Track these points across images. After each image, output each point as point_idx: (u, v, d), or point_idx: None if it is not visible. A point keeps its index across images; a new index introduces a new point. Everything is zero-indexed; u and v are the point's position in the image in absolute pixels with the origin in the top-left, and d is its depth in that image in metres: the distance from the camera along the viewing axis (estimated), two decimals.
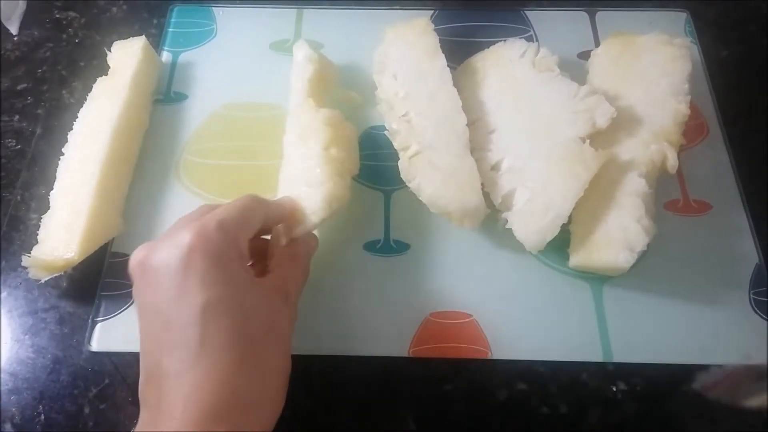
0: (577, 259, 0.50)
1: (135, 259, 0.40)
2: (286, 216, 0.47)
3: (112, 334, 0.50)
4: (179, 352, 0.37)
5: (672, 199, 0.56)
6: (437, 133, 0.53)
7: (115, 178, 0.54)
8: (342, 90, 0.60)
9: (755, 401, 0.48)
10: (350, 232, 0.54)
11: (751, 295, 0.51)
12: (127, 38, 0.62)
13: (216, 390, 0.36)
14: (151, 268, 0.39)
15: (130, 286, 0.51)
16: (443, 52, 0.58)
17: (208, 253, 0.39)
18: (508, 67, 0.58)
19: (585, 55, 0.62)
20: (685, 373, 0.49)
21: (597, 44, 0.64)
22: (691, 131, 0.58)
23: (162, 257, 0.39)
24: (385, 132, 0.55)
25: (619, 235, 0.49)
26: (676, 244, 0.53)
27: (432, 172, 0.51)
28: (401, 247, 0.54)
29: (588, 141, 0.51)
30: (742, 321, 0.50)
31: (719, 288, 0.51)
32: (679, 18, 0.67)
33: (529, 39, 0.65)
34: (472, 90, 0.58)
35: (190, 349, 0.37)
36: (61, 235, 0.50)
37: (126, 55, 0.60)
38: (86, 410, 0.48)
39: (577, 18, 0.67)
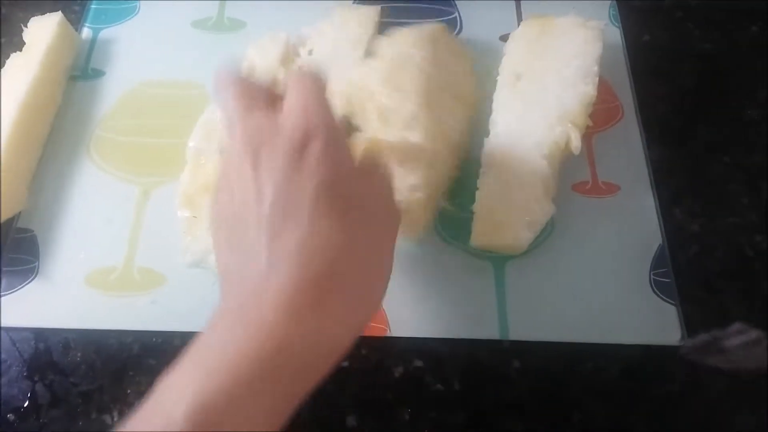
0: (477, 237, 0.50)
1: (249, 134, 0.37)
2: None
3: (13, 309, 0.50)
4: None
5: (581, 180, 0.56)
6: None
7: (21, 155, 0.54)
8: None
9: None
10: None
11: (652, 276, 0.51)
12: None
13: (319, 276, 0.34)
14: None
15: (33, 262, 0.51)
16: None
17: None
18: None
19: (506, 38, 0.62)
20: (583, 351, 0.49)
21: None
22: (606, 114, 0.58)
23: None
24: None
25: (518, 215, 0.49)
26: (582, 225, 0.53)
27: None
28: None
29: None
30: (642, 301, 0.50)
31: (621, 268, 0.52)
32: (604, 5, 0.67)
33: (453, 21, 0.65)
34: None
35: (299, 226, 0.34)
36: None
37: (41, 31, 0.59)
38: None
39: (504, 3, 0.67)
